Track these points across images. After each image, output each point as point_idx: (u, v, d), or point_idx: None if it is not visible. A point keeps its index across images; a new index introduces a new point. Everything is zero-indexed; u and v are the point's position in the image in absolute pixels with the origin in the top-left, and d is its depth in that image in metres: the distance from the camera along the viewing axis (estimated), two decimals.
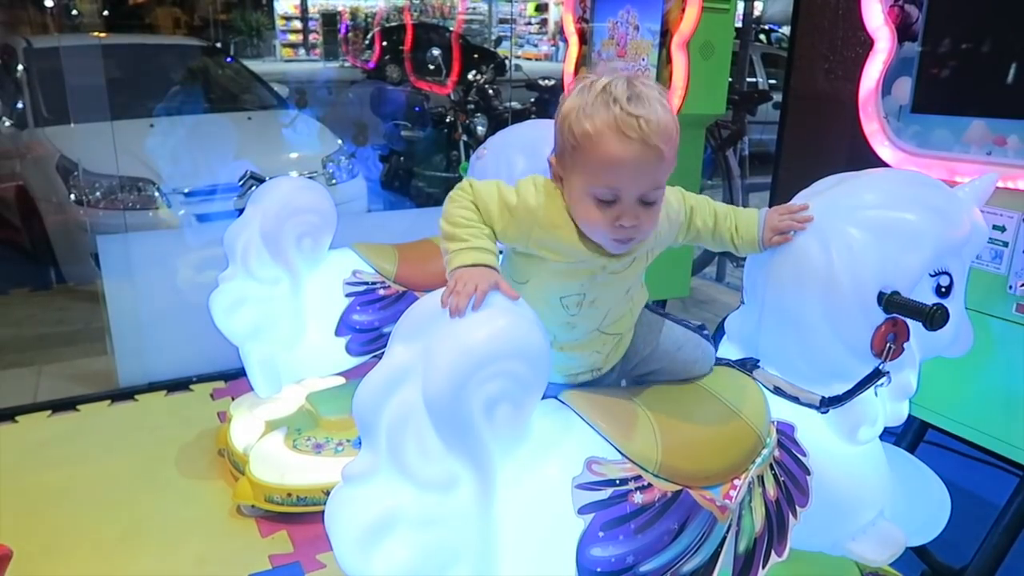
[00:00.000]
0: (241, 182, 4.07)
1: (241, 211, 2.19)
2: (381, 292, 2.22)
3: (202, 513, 2.20)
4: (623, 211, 1.15)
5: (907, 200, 1.37)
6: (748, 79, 8.33)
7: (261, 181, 2.91)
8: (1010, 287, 1.78)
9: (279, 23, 21.46)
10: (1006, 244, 1.78)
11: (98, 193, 3.93)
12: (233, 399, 2.56)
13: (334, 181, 4.58)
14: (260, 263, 2.08)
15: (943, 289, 1.39)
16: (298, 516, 2.11)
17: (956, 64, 1.92)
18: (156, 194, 4.09)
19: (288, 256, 2.09)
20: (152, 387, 2.97)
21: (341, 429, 2.24)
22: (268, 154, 4.56)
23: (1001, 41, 1.81)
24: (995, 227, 1.78)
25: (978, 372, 1.84)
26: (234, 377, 2.95)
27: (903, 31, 1.99)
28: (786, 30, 9.49)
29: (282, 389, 2.24)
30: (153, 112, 4.52)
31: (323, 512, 1.13)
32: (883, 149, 2.05)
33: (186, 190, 4.10)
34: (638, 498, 1.18)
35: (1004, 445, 1.84)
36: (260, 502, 2.11)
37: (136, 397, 2.91)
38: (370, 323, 2.19)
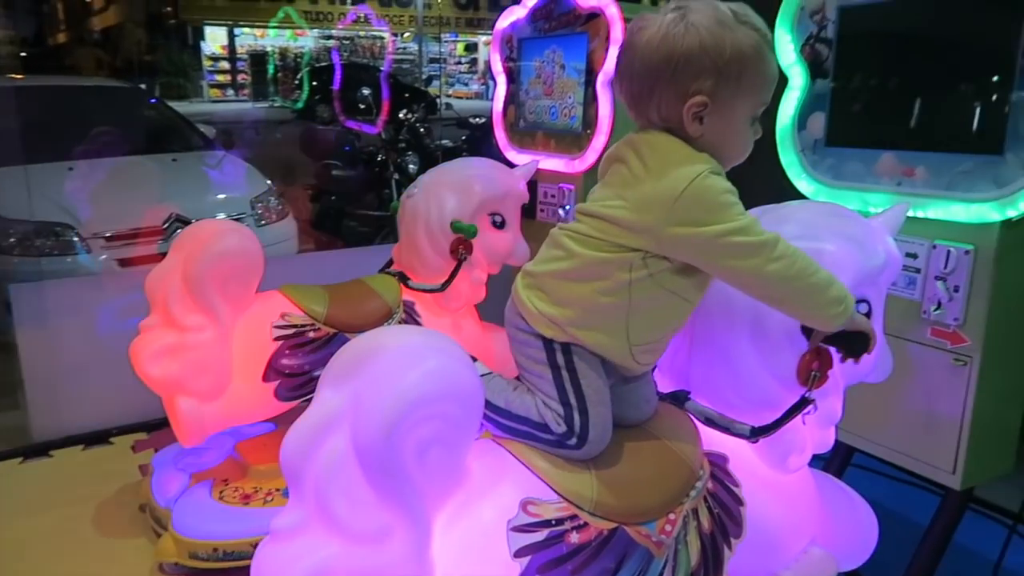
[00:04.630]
0: (166, 225, 3.97)
1: (165, 255, 2.12)
2: (311, 335, 2.17)
3: (122, 573, 2.08)
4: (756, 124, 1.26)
5: (826, 230, 1.41)
6: None
7: (187, 223, 2.84)
8: (924, 312, 1.85)
9: (206, 63, 21.20)
10: (919, 271, 1.86)
11: (12, 239, 3.76)
12: (156, 451, 2.45)
13: (263, 222, 4.49)
14: (183, 309, 2.01)
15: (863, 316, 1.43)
16: (225, 572, 2.01)
17: (865, 99, 2.02)
18: (75, 239, 3.93)
19: (213, 301, 2.03)
20: (68, 441, 2.81)
21: (271, 478, 2.16)
22: (194, 196, 4.45)
23: (906, 77, 1.92)
24: (908, 255, 1.85)
25: (899, 396, 1.91)
26: (157, 427, 2.81)
27: (815, 68, 2.09)
28: None
29: (208, 438, 2.16)
30: (72, 155, 4.38)
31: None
32: (800, 181, 2.13)
33: (107, 234, 3.96)
34: (574, 538, 1.17)
35: (925, 466, 1.90)
36: (184, 559, 2.00)
37: (51, 453, 2.75)
38: (300, 367, 2.14)
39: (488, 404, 1.25)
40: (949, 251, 1.79)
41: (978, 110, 1.76)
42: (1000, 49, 1.68)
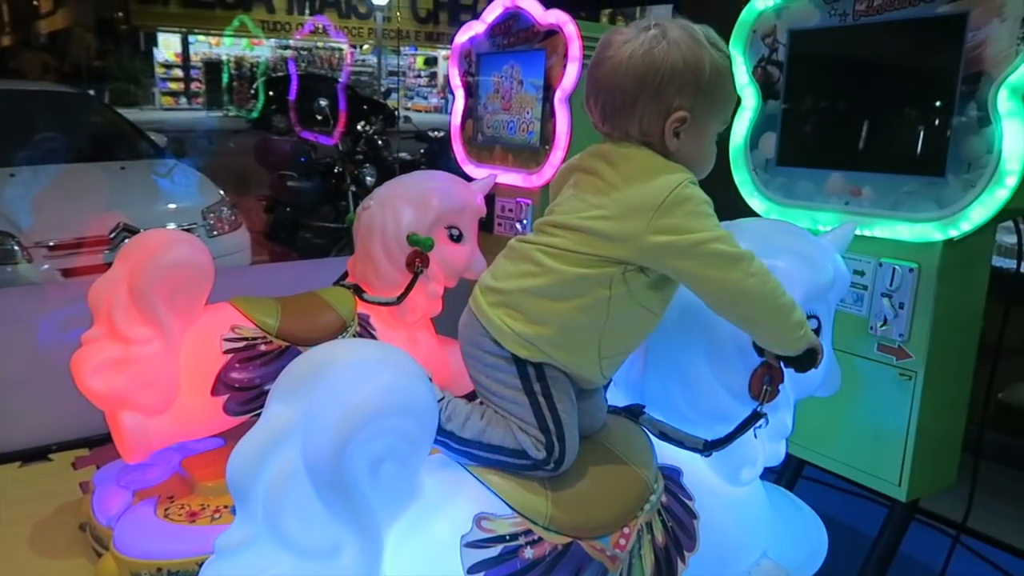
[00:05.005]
0: (112, 234, 3.87)
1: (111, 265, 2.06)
2: (262, 348, 2.12)
3: None
4: None
5: (777, 248, 1.44)
6: None
7: (135, 233, 2.77)
8: (871, 328, 1.89)
9: (159, 71, 20.82)
10: (865, 288, 1.91)
11: None
12: (98, 468, 2.37)
13: (215, 233, 4.42)
14: (128, 321, 1.95)
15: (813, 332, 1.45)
16: None
17: (815, 121, 2.07)
18: (15, 248, 3.81)
19: (160, 313, 1.97)
20: (5, 458, 2.70)
21: (219, 494, 2.10)
22: (143, 205, 4.36)
23: (853, 99, 1.97)
24: (855, 272, 1.90)
25: (847, 410, 1.95)
26: (99, 443, 2.73)
27: (767, 90, 2.13)
28: None
29: (153, 454, 2.09)
30: (15, 161, 4.25)
31: None
32: (753, 200, 2.17)
33: (50, 243, 3.84)
34: (528, 553, 1.16)
35: (872, 478, 1.94)
36: None
37: None
38: (250, 380, 2.09)
39: (453, 436, 1.22)
40: (895, 269, 1.84)
41: (922, 133, 1.82)
42: (942, 76, 1.74)
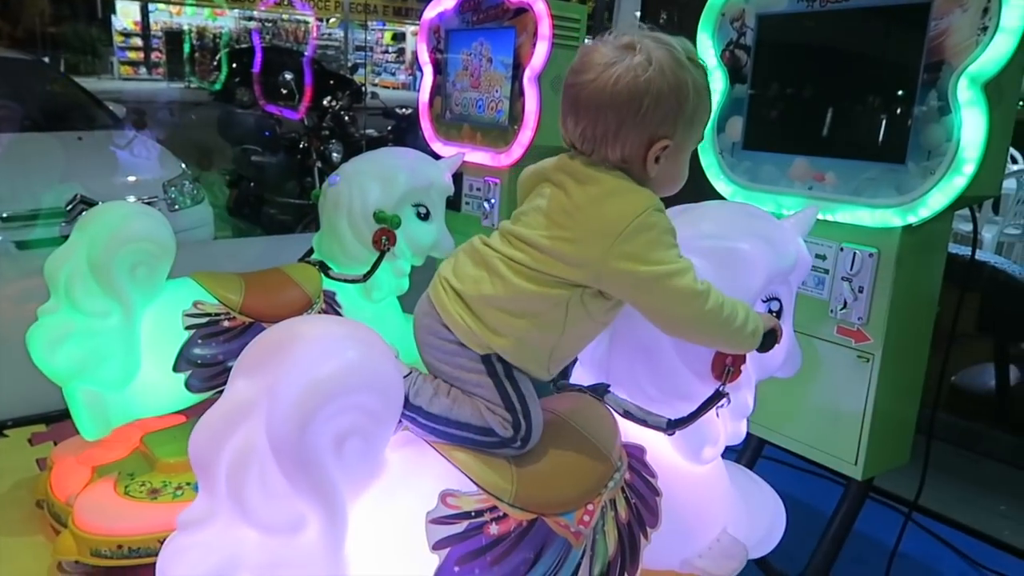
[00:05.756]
0: (69, 206, 3.77)
1: (67, 238, 2.01)
2: (225, 324, 2.10)
3: (17, 573, 1.97)
4: None
5: (741, 230, 1.45)
6: None
7: (92, 205, 2.70)
8: (831, 311, 1.93)
9: (117, 39, 20.20)
10: (827, 271, 1.94)
11: None
12: (55, 444, 2.32)
13: (176, 207, 4.33)
14: (87, 294, 1.91)
15: (774, 314, 1.48)
16: (129, 570, 1.93)
17: (781, 106, 2.09)
18: None
19: (120, 287, 1.94)
20: None
21: (180, 471, 2.08)
22: (101, 177, 4.24)
23: (818, 86, 1.99)
24: (817, 256, 1.93)
25: (806, 391, 1.99)
26: (57, 420, 2.67)
27: (734, 74, 2.15)
28: None
29: (112, 431, 2.06)
30: None
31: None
32: (719, 183, 2.19)
33: (4, 214, 3.73)
34: (493, 529, 1.17)
35: (830, 457, 1.99)
36: (85, 556, 1.91)
37: None
38: (213, 356, 2.07)
39: (420, 411, 1.23)
40: (855, 253, 1.87)
41: (884, 121, 1.85)
42: (905, 65, 1.77)
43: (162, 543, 1.07)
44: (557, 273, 1.21)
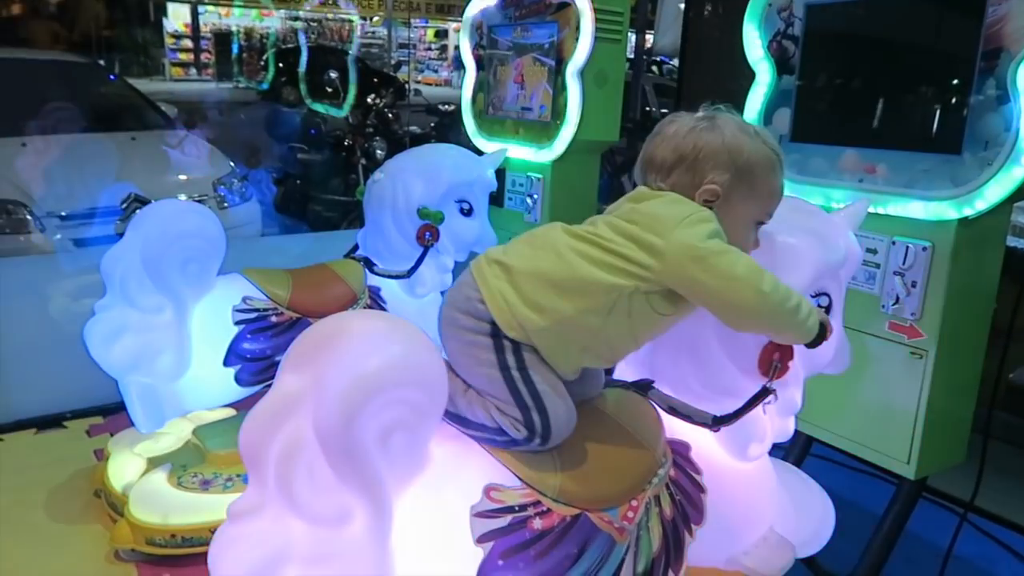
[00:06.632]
0: (124, 205, 3.87)
1: (123, 235, 2.07)
2: (273, 319, 2.14)
3: (76, 560, 2.03)
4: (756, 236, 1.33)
5: (789, 225, 1.43)
6: (644, 108, 8.67)
7: (146, 204, 2.78)
8: (883, 306, 1.89)
9: (168, 41, 20.72)
10: (878, 266, 1.90)
11: None
12: (112, 435, 2.40)
13: (226, 204, 4.43)
14: (141, 290, 1.96)
15: (823, 309, 1.45)
16: (182, 559, 1.98)
17: (830, 97, 2.05)
18: (28, 217, 3.83)
19: (172, 283, 1.99)
20: (19, 425, 2.74)
21: (231, 464, 2.13)
22: (154, 176, 4.37)
23: (869, 76, 1.95)
24: (868, 250, 1.89)
25: (857, 388, 1.95)
26: (113, 412, 2.76)
27: (782, 65, 2.11)
28: (676, 62, 9.93)
29: (165, 423, 2.12)
30: (26, 131, 4.25)
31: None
32: None
33: (63, 213, 3.87)
34: (537, 524, 1.17)
35: (881, 456, 1.95)
36: (140, 545, 1.97)
37: (1, 437, 2.68)
38: (262, 351, 2.11)
39: (446, 412, 1.21)
40: (908, 247, 1.83)
41: (938, 111, 1.80)
42: (960, 53, 1.72)
43: (213, 533, 1.09)
44: (619, 250, 1.20)
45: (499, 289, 1.23)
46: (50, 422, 2.78)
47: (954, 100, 1.76)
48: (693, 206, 1.25)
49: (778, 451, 1.92)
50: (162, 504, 2.01)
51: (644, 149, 1.36)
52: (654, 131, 1.36)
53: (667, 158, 1.29)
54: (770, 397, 1.33)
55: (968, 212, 1.73)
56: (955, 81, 1.75)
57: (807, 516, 1.58)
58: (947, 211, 1.76)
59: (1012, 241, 2.26)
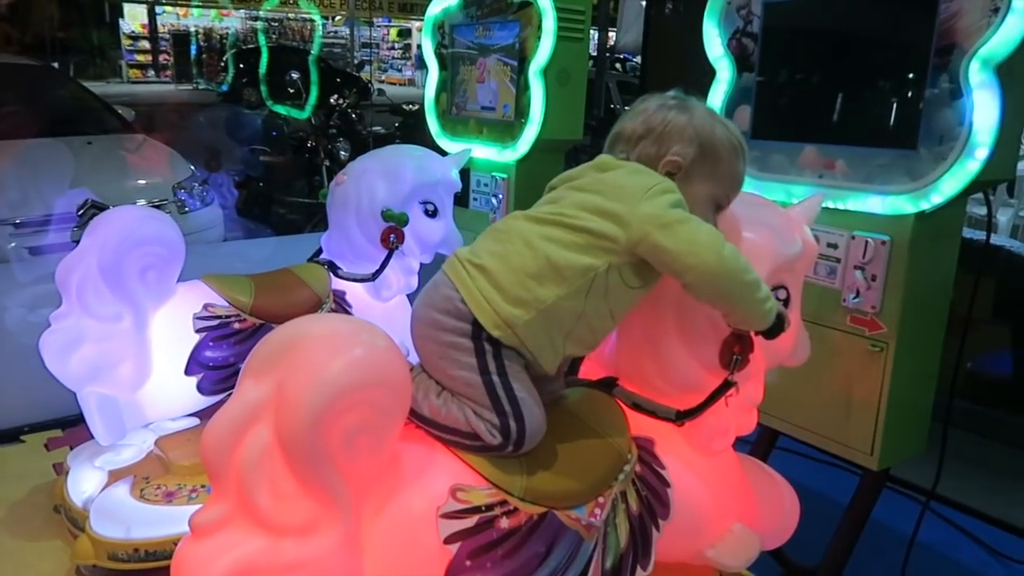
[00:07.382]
0: (80, 211, 3.78)
1: (79, 242, 2.02)
2: (236, 326, 2.10)
3: None
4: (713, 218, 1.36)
5: (746, 220, 1.44)
6: (609, 105, 8.71)
7: (103, 210, 2.71)
8: (844, 300, 1.91)
9: (125, 42, 20.31)
10: (839, 260, 1.92)
11: None
12: (71, 448, 2.34)
13: (186, 209, 4.36)
14: (98, 299, 1.92)
15: (780, 302, 1.47)
16: (147, 574, 1.94)
17: (789, 93, 2.07)
18: None
19: (130, 290, 1.94)
20: None
21: (195, 474, 2.09)
22: (111, 181, 4.28)
23: (827, 73, 1.97)
24: (829, 245, 1.91)
25: (819, 381, 1.97)
26: (72, 424, 2.68)
27: (742, 62, 2.13)
28: (639, 59, 9.99)
29: (127, 435, 2.08)
30: None
31: None
32: None
33: (17, 220, 3.77)
34: (504, 523, 1.17)
35: (844, 448, 1.97)
36: (102, 560, 1.92)
37: None
38: (224, 359, 2.07)
39: (413, 412, 1.21)
40: (867, 241, 1.85)
41: (894, 107, 1.83)
42: (915, 48, 1.74)
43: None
44: (585, 225, 1.23)
45: (479, 288, 1.22)
46: (7, 436, 2.70)
47: (909, 96, 1.79)
48: (657, 177, 1.29)
49: (744, 445, 1.94)
50: (124, 518, 1.96)
51: (616, 124, 1.41)
52: (628, 108, 1.43)
53: (636, 129, 1.35)
54: (732, 390, 1.35)
55: (925, 206, 1.76)
56: (910, 77, 1.77)
57: (773, 508, 1.59)
58: (904, 205, 1.79)
59: (969, 232, 2.31)
